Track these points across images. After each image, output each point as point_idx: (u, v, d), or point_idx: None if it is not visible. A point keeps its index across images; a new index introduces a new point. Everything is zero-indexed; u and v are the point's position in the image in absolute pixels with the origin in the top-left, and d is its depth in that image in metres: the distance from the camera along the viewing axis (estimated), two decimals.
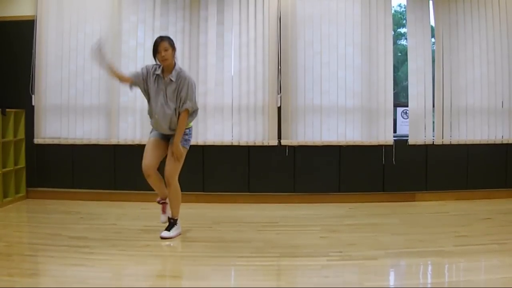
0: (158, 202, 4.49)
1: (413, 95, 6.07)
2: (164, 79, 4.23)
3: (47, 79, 6.02)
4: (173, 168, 4.27)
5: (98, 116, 6.03)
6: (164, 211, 4.45)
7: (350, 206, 5.74)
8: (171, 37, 5.85)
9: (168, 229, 4.35)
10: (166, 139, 4.35)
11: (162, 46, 4.17)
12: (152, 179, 4.31)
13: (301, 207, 5.74)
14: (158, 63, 4.25)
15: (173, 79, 4.21)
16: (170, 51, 4.20)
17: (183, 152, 4.29)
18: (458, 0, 6.07)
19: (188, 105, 4.22)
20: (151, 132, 4.43)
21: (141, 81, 4.29)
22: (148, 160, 4.28)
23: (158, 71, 4.25)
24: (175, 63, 4.27)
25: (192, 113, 4.30)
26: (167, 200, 4.42)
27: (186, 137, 4.34)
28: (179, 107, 4.22)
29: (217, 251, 4.01)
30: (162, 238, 4.28)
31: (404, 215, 5.37)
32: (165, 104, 4.22)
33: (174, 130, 4.26)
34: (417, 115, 6.07)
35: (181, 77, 4.23)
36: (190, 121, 4.37)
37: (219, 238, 4.42)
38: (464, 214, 5.37)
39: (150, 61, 5.87)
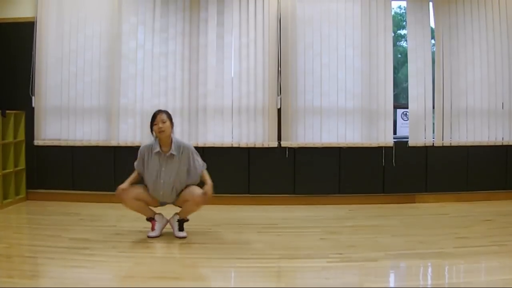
0: (148, 219, 4.48)
1: (413, 96, 6.07)
2: (165, 154, 4.27)
3: (47, 80, 6.02)
4: (199, 195, 4.32)
5: (98, 118, 6.03)
6: (153, 229, 4.42)
7: (350, 208, 5.74)
8: (171, 38, 5.97)
9: (182, 228, 4.43)
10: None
11: (160, 118, 4.22)
12: (129, 205, 4.33)
13: (301, 208, 5.74)
14: (154, 136, 4.29)
15: (174, 152, 4.26)
16: (168, 123, 4.24)
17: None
18: (458, 1, 6.08)
19: (202, 167, 4.40)
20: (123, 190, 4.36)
21: (142, 163, 4.35)
22: (125, 185, 4.29)
23: (157, 148, 4.28)
24: (172, 138, 4.30)
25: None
26: (156, 218, 4.44)
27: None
28: (197, 175, 4.35)
29: (217, 253, 4.01)
30: (178, 237, 4.36)
31: (404, 216, 5.37)
32: (170, 180, 4.28)
33: (169, 202, 4.42)
34: (417, 116, 6.08)
35: (182, 148, 4.30)
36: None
37: (219, 240, 4.42)
38: (464, 215, 5.37)
39: (150, 61, 5.96)
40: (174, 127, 4.35)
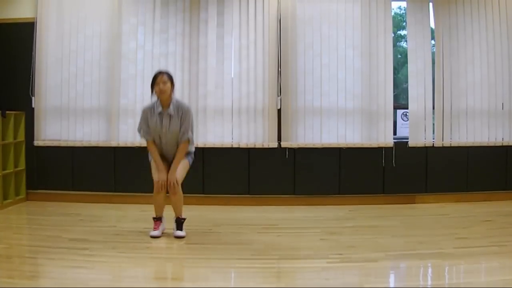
0: (156, 219, 4.50)
1: (413, 97, 6.07)
2: (165, 115, 4.35)
3: (47, 81, 6.02)
4: (180, 177, 4.39)
5: (98, 118, 6.03)
6: (157, 228, 4.44)
7: (350, 208, 5.74)
8: (171, 39, 5.97)
9: (180, 228, 4.44)
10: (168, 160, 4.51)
11: (161, 78, 4.28)
12: (162, 194, 4.38)
13: (301, 209, 5.74)
14: (155, 97, 4.36)
15: (172, 113, 4.33)
16: (168, 84, 4.30)
17: (186, 165, 4.48)
18: (458, 2, 6.08)
19: (190, 135, 4.41)
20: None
21: (146, 123, 4.42)
22: (162, 176, 4.34)
23: (159, 109, 4.34)
24: (172, 98, 4.37)
25: (192, 141, 4.50)
26: (163, 220, 4.51)
27: (190, 155, 4.56)
28: (180, 138, 4.37)
29: (217, 253, 4.01)
30: (177, 237, 4.37)
31: (404, 217, 5.37)
32: (171, 138, 4.38)
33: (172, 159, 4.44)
34: (417, 117, 6.07)
35: (181, 108, 4.38)
36: (191, 148, 4.55)
37: (219, 240, 4.42)
38: (464, 216, 5.37)
39: (149, 62, 5.96)
40: (175, 89, 4.44)
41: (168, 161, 4.47)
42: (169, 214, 4.52)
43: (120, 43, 5.97)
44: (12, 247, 4.10)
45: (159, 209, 4.46)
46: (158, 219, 4.47)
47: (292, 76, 5.98)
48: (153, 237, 4.36)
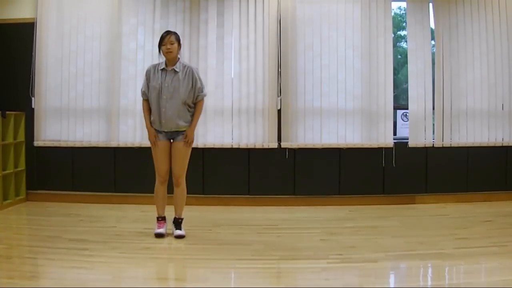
0: (160, 219, 4.51)
1: (413, 97, 6.07)
2: (169, 71, 4.32)
3: (47, 81, 6.02)
4: (182, 167, 4.42)
5: (98, 119, 6.03)
6: (162, 226, 4.46)
7: (350, 209, 5.74)
8: None
9: (180, 228, 4.44)
10: (169, 140, 4.43)
11: (168, 39, 4.28)
12: (166, 184, 4.41)
13: (301, 209, 5.74)
14: (162, 57, 4.36)
15: (178, 69, 4.31)
16: (176, 45, 4.31)
17: (187, 154, 4.43)
18: (458, 2, 6.08)
19: (204, 92, 4.43)
20: (155, 136, 4.42)
21: (147, 84, 4.43)
22: (165, 165, 4.39)
23: (163, 65, 4.35)
24: (178, 59, 4.37)
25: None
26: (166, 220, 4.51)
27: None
28: (194, 97, 4.35)
29: (217, 253, 4.01)
30: (178, 237, 4.37)
31: (404, 217, 5.36)
32: (172, 96, 4.29)
33: (181, 125, 4.35)
34: (417, 117, 6.07)
35: (188, 67, 4.37)
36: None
37: (219, 241, 4.41)
38: (464, 216, 5.36)
39: (149, 62, 5.88)
40: (182, 49, 4.50)
41: (166, 138, 4.39)
42: (168, 215, 4.51)
43: (120, 43, 5.97)
44: (12, 248, 4.10)
45: (161, 206, 4.45)
46: (162, 219, 4.47)
47: (292, 76, 5.98)
48: (158, 234, 4.37)
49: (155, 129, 4.40)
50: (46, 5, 6.00)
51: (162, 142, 4.38)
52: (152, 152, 4.44)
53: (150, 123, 4.41)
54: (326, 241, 4.40)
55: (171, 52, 4.29)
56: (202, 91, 4.40)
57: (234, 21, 6.00)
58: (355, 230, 4.80)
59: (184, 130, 4.38)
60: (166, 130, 4.36)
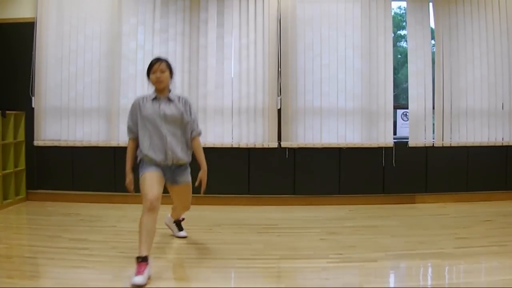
0: (140, 260, 3.33)
1: (413, 97, 6.07)
2: (162, 99, 3.74)
3: (47, 81, 6.02)
4: (189, 200, 4.09)
5: (98, 118, 6.03)
6: (142, 272, 3.25)
7: (350, 208, 5.74)
8: (171, 39, 5.96)
9: (181, 228, 4.47)
10: (163, 174, 3.77)
11: (158, 66, 3.71)
12: (156, 215, 3.53)
13: (301, 209, 5.74)
14: (151, 87, 3.79)
15: (172, 98, 3.75)
16: (167, 73, 3.74)
17: (190, 187, 3.96)
18: (458, 2, 6.08)
19: (199, 129, 3.89)
20: (145, 167, 3.72)
21: (136, 117, 3.77)
22: (156, 188, 3.60)
23: (153, 95, 3.75)
24: (170, 90, 3.81)
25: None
26: (150, 261, 3.37)
27: (188, 170, 3.93)
28: (189, 131, 3.81)
29: (217, 253, 4.02)
30: (179, 237, 4.39)
31: (404, 217, 5.37)
32: (171, 125, 3.72)
33: (183, 158, 3.79)
34: (417, 117, 6.08)
35: (182, 98, 3.83)
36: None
37: (219, 240, 4.41)
38: (464, 216, 5.37)
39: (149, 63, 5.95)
40: (174, 78, 3.86)
41: (164, 171, 3.75)
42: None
43: (120, 43, 5.98)
44: (12, 247, 4.10)
45: (146, 241, 3.38)
46: (143, 260, 3.30)
47: (292, 76, 5.98)
48: (136, 285, 3.18)
49: (149, 161, 3.71)
50: (46, 5, 6.00)
51: (156, 172, 3.69)
52: (142, 180, 3.67)
53: (131, 167, 3.77)
54: (326, 240, 4.40)
55: (161, 81, 3.70)
56: (198, 127, 3.85)
57: (234, 20, 6.00)
58: (355, 229, 4.80)
59: (184, 164, 3.84)
60: (170, 163, 3.74)
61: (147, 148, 3.70)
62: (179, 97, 3.82)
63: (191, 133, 3.83)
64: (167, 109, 3.72)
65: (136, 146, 3.79)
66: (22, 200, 5.99)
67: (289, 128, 5.98)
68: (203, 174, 3.82)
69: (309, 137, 6.00)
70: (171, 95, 3.77)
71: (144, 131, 3.72)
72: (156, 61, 3.75)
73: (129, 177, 3.79)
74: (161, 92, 3.76)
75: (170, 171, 3.79)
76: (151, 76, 3.74)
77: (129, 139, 3.82)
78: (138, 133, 3.75)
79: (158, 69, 3.71)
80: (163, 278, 3.48)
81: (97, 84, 6.01)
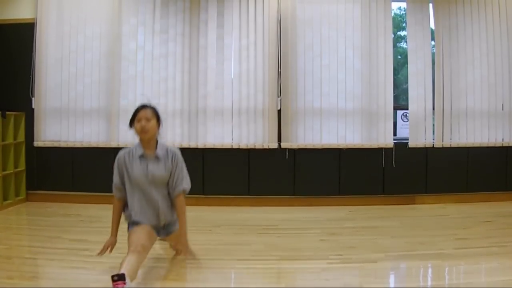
0: (116, 279, 2.83)
1: (413, 97, 6.07)
2: (150, 158, 3.38)
3: (47, 81, 6.02)
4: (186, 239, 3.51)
5: (98, 119, 6.03)
6: None
7: (350, 209, 5.74)
8: (171, 39, 5.97)
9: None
10: (156, 232, 3.47)
11: (143, 113, 3.32)
12: (141, 258, 3.14)
13: (301, 210, 5.74)
14: (136, 136, 3.43)
15: (160, 156, 3.38)
16: (153, 122, 3.34)
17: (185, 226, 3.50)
18: (458, 2, 6.08)
19: (185, 184, 3.47)
20: (133, 224, 3.39)
21: (122, 175, 3.45)
22: (144, 239, 3.22)
23: (140, 151, 3.38)
24: (157, 140, 3.44)
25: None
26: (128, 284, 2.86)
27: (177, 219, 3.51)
28: (173, 188, 3.41)
29: (217, 254, 4.01)
30: None
31: (404, 217, 5.36)
32: (159, 188, 3.40)
33: (173, 219, 3.52)
34: (417, 117, 6.07)
35: (171, 151, 3.44)
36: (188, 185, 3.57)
37: (219, 241, 4.42)
38: (464, 216, 5.36)
39: (150, 63, 5.97)
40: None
41: (160, 225, 3.44)
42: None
43: (120, 43, 5.98)
44: (12, 248, 4.10)
45: (134, 270, 3.02)
46: (120, 279, 2.83)
47: (292, 77, 5.98)
48: None
49: (137, 222, 3.38)
50: (46, 5, 6.00)
51: (148, 226, 3.38)
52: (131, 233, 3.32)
53: (116, 231, 3.41)
54: (326, 241, 4.40)
55: (146, 131, 3.30)
56: (184, 183, 3.44)
57: (234, 21, 6.00)
58: (355, 230, 4.80)
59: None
60: (162, 224, 3.46)
61: (138, 213, 3.38)
62: (167, 150, 3.43)
63: (174, 190, 3.42)
64: (156, 169, 3.36)
65: (123, 206, 3.45)
66: (22, 200, 5.99)
67: (289, 129, 5.98)
68: (182, 245, 3.41)
69: (309, 137, 6.00)
70: (159, 151, 3.39)
71: (132, 195, 3.39)
72: (142, 107, 3.37)
73: (113, 239, 3.40)
74: (147, 144, 3.38)
75: (162, 228, 3.51)
76: (136, 124, 3.35)
77: (116, 199, 3.45)
78: (125, 193, 3.41)
79: (143, 117, 3.32)
80: (163, 279, 3.48)
81: (97, 85, 6.01)
